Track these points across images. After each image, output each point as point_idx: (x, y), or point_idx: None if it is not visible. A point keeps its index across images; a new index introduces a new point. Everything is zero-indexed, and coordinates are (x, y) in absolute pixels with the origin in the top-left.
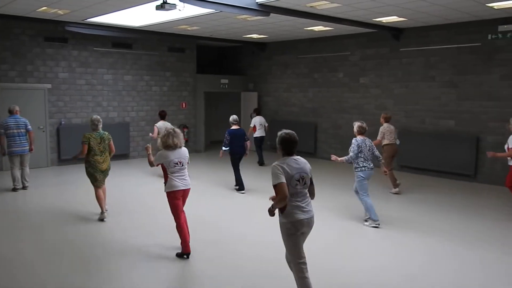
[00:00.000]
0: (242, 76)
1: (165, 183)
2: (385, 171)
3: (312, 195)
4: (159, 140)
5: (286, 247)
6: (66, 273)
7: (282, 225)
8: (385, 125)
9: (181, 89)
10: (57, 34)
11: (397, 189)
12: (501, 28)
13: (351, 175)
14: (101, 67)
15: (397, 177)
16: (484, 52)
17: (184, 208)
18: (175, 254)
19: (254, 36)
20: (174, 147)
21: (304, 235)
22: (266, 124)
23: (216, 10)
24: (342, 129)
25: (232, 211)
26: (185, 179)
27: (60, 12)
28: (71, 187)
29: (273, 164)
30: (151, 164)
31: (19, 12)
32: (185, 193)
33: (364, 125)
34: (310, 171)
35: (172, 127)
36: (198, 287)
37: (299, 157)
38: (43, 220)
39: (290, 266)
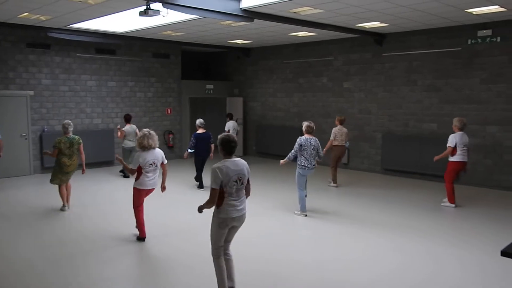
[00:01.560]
0: (227, 81)
1: (136, 179)
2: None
3: (247, 193)
4: (125, 141)
5: (212, 235)
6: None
7: (215, 219)
8: (338, 127)
9: (166, 95)
10: (39, 40)
11: (334, 184)
12: (480, 33)
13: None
14: (85, 73)
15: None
16: (464, 57)
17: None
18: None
19: (239, 41)
20: (149, 147)
21: (235, 228)
22: (238, 129)
23: (200, 16)
24: (326, 133)
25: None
26: (155, 179)
27: (42, 18)
28: (43, 190)
29: (214, 166)
30: (131, 171)
31: (0, 18)
32: (150, 191)
33: (312, 124)
34: (248, 172)
35: (148, 129)
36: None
37: (238, 158)
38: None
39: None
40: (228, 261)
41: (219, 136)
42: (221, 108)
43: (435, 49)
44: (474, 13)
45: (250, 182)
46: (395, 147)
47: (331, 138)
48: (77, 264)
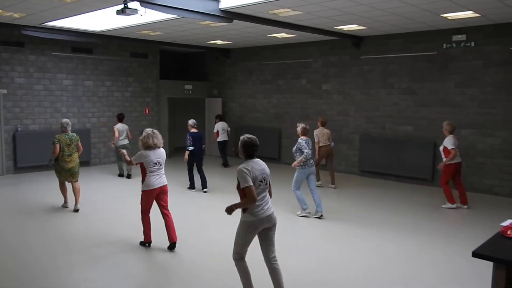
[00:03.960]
0: (206, 82)
1: (142, 181)
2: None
3: (270, 194)
4: (119, 141)
5: (236, 240)
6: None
7: (243, 223)
8: (320, 128)
9: (143, 95)
10: (13, 38)
11: (319, 182)
12: (455, 37)
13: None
14: (60, 72)
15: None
16: (439, 61)
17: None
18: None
19: (218, 42)
20: (154, 147)
21: (266, 230)
22: (229, 129)
23: (178, 15)
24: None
25: (194, 210)
26: (162, 178)
27: (16, 15)
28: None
29: (240, 167)
30: (130, 163)
31: None
32: (162, 190)
33: (308, 126)
34: (269, 173)
35: (151, 129)
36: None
37: (258, 159)
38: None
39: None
40: (275, 270)
41: (241, 138)
42: (200, 108)
43: (411, 53)
44: (449, 18)
45: (270, 183)
46: (372, 149)
47: (316, 140)
48: (61, 267)
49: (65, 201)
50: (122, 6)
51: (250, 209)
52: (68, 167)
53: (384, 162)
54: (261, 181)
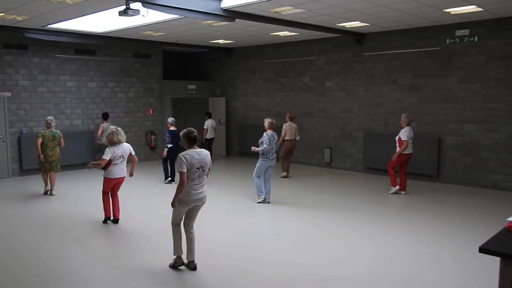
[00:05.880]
0: (209, 81)
1: (104, 169)
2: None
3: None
4: (100, 138)
5: (172, 212)
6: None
7: (179, 199)
8: (288, 123)
9: (147, 96)
10: (16, 40)
11: (285, 173)
12: (458, 32)
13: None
14: (64, 74)
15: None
16: (442, 56)
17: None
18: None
19: (220, 41)
20: (118, 143)
21: (197, 207)
22: (216, 127)
23: (180, 15)
24: (308, 132)
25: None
26: (123, 169)
27: (18, 18)
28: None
29: (180, 154)
30: (101, 164)
31: None
32: (119, 180)
33: (274, 121)
34: (210, 162)
35: (115, 127)
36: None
37: (202, 149)
38: None
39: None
40: (190, 238)
41: (183, 131)
42: (204, 108)
43: (414, 49)
44: (452, 13)
45: (211, 169)
46: (376, 146)
47: (282, 133)
48: (55, 254)
49: (46, 185)
50: (124, 7)
51: (186, 189)
52: (50, 159)
53: (389, 159)
54: (198, 169)
